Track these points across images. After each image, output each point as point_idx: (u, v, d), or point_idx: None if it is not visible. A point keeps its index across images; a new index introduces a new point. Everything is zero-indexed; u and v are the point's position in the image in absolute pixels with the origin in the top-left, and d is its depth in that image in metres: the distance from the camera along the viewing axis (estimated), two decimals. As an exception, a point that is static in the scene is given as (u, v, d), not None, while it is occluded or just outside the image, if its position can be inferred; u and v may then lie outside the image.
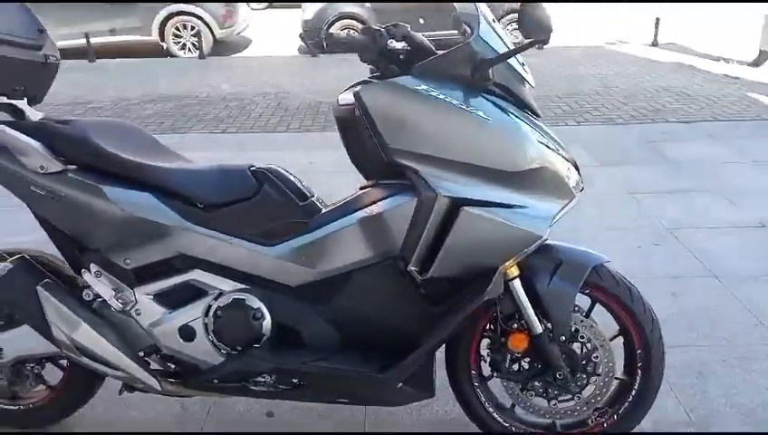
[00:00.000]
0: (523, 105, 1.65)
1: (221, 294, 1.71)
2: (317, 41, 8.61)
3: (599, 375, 1.78)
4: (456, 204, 1.56)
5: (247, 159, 2.07)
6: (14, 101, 1.92)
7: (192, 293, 1.73)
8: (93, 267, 1.75)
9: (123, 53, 8.96)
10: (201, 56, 8.73)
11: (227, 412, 2.07)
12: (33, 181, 1.71)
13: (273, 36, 10.75)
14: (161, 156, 1.86)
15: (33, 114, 1.96)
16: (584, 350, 1.78)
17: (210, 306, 1.70)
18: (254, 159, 1.88)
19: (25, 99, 1.97)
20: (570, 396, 1.80)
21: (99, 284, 1.75)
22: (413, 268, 1.61)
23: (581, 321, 1.76)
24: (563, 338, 1.72)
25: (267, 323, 1.69)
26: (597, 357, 1.77)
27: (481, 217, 1.57)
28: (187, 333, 1.72)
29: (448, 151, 1.56)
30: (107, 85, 7.31)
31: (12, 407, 1.99)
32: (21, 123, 1.79)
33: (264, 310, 1.68)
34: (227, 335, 1.70)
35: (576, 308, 1.79)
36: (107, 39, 9.04)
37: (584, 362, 1.78)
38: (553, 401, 1.81)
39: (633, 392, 1.81)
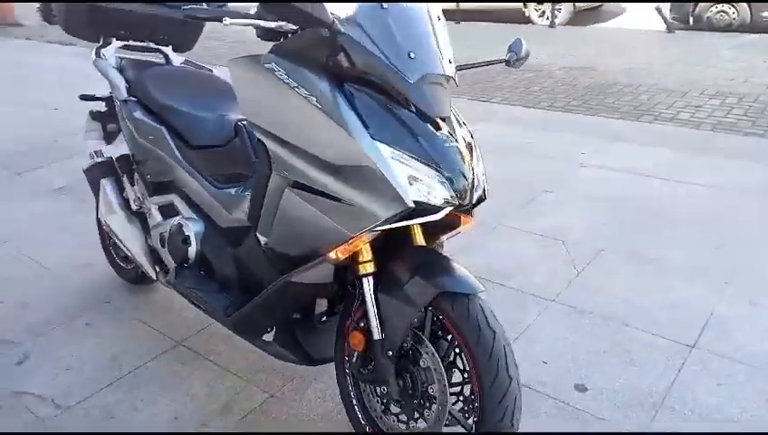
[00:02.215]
0: (399, 100, 1.54)
1: (182, 217, 2.12)
2: (678, 16, 7.77)
3: (433, 407, 1.61)
4: (288, 184, 1.61)
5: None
6: (161, 48, 2.64)
7: (173, 211, 2.19)
8: (135, 175, 2.36)
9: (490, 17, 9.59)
10: (551, 25, 8.74)
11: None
12: (117, 105, 2.38)
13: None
14: (215, 103, 2.31)
15: (176, 59, 2.65)
16: (423, 376, 1.62)
17: (174, 224, 2.14)
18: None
19: (170, 46, 2.67)
20: (406, 417, 1.68)
21: (131, 188, 2.36)
22: (259, 235, 1.73)
23: (427, 347, 1.61)
24: (390, 353, 1.61)
25: (193, 249, 2.03)
26: (433, 390, 1.60)
27: (299, 202, 1.58)
28: (161, 240, 2.20)
29: (285, 132, 1.58)
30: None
31: (127, 267, 2.81)
32: (130, 61, 2.45)
33: (193, 238, 2.03)
34: (170, 251, 2.12)
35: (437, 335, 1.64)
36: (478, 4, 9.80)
37: (423, 389, 1.63)
38: (390, 416, 1.72)
39: None
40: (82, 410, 2.07)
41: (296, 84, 1.55)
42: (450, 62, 1.62)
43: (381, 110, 1.53)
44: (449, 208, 1.54)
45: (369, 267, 1.62)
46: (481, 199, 1.68)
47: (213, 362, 2.27)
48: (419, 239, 1.69)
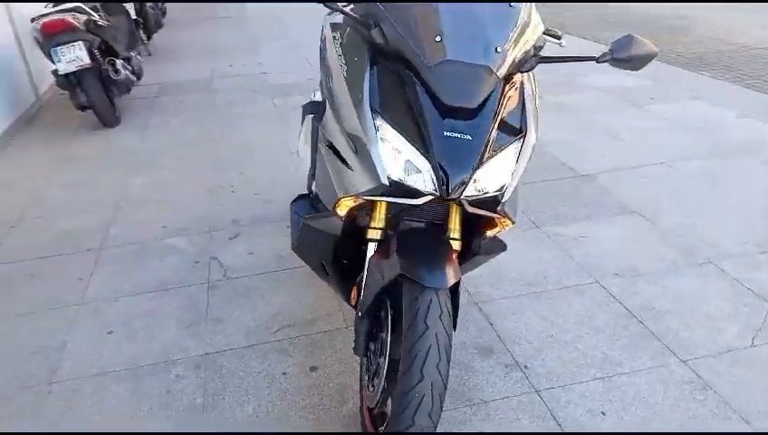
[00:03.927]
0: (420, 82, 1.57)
1: None
2: None
3: (377, 376, 1.68)
4: (325, 142, 1.80)
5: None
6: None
7: None
8: None
9: None
10: None
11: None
12: None
13: None
14: None
15: None
16: (379, 348, 1.69)
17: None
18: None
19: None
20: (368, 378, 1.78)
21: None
22: (315, 179, 1.97)
23: (387, 322, 1.66)
24: (359, 314, 1.71)
25: (314, 184, 2.37)
26: (381, 363, 1.66)
27: (323, 159, 1.76)
28: None
29: (330, 95, 1.76)
30: None
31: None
32: None
33: None
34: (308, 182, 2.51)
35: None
36: None
37: (377, 360, 1.70)
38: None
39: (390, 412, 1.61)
40: (233, 284, 2.70)
41: (341, 53, 1.73)
42: (498, 51, 1.57)
43: (396, 89, 1.60)
44: (429, 197, 1.55)
45: (376, 234, 1.73)
46: (497, 201, 1.62)
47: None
48: (453, 229, 1.71)
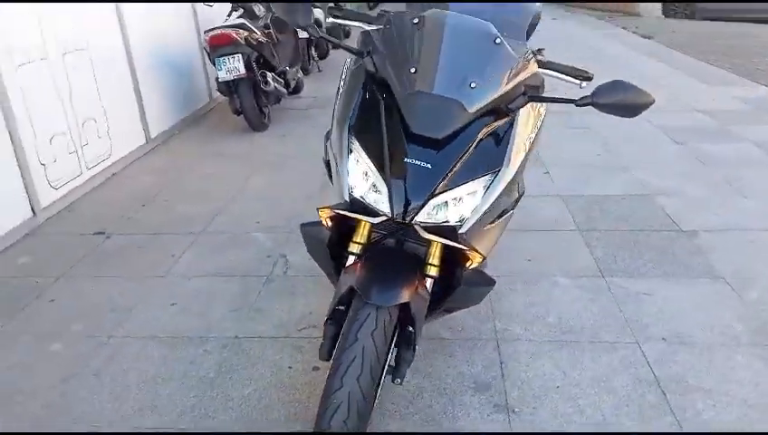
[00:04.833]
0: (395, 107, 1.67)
1: None
2: None
3: None
4: (324, 159, 1.95)
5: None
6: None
7: None
8: None
9: None
10: None
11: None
12: None
13: None
14: None
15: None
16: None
17: None
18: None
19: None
20: None
21: None
22: None
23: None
24: (326, 319, 1.82)
25: None
26: (331, 365, 1.76)
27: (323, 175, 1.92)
28: None
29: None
30: None
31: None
32: None
33: None
34: None
35: None
36: None
37: None
38: None
39: None
40: (287, 280, 2.94)
41: (344, 77, 1.89)
42: (472, 87, 1.62)
43: (377, 114, 1.71)
44: (383, 218, 1.64)
45: (355, 248, 1.84)
46: (453, 229, 1.65)
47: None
48: (432, 255, 1.78)
